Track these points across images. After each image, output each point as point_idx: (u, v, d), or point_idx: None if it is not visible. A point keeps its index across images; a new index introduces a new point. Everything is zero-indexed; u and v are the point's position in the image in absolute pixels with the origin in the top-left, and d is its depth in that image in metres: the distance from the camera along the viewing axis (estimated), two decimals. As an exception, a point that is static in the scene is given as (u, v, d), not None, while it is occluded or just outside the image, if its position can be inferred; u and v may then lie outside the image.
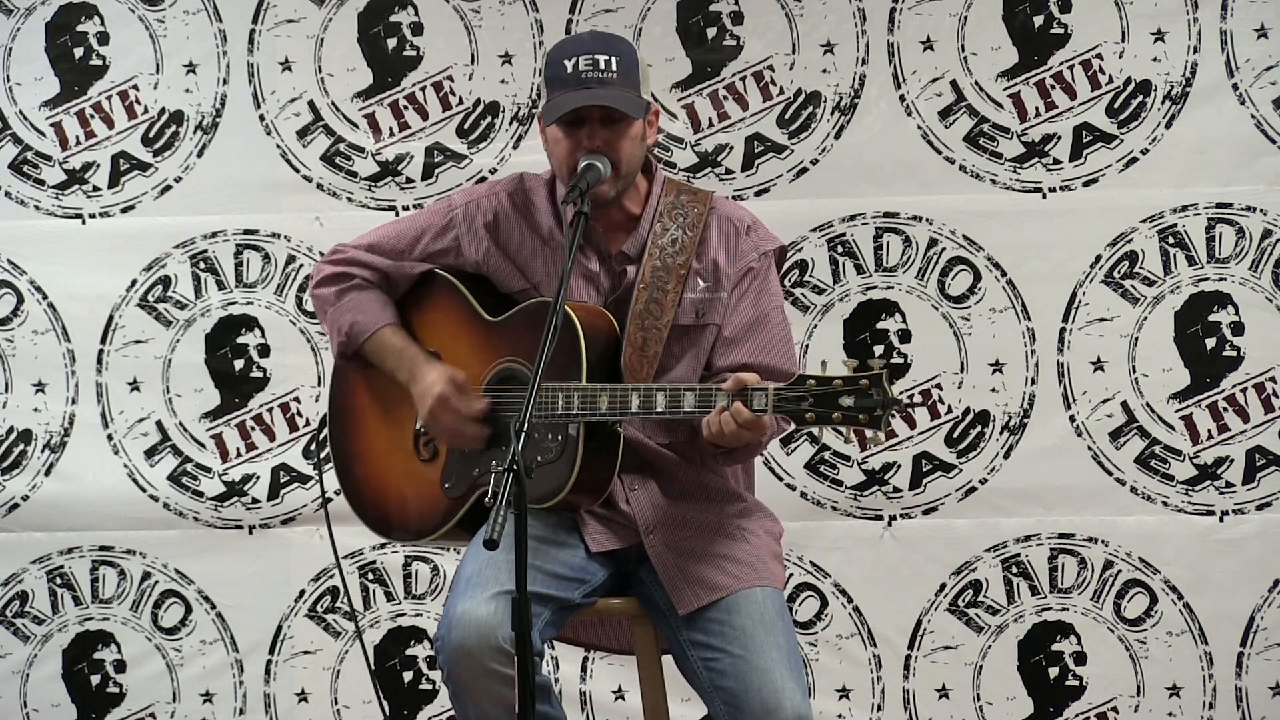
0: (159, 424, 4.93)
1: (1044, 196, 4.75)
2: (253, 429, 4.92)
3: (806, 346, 4.78)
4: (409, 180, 4.88)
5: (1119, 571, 4.74)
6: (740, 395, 3.16)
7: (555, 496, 3.31)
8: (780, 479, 4.80)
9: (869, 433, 3.10)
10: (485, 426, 3.39)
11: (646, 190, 3.46)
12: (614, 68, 3.33)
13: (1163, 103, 4.71)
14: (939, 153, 4.77)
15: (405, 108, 4.89)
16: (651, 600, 3.40)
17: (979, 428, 4.77)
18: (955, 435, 4.77)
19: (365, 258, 3.52)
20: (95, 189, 4.95)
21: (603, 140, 3.33)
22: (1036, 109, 4.75)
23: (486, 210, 3.49)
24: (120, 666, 4.97)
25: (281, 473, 4.91)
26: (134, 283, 4.94)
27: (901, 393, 4.76)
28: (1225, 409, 4.70)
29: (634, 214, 3.45)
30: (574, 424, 3.29)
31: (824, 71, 4.79)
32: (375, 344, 3.49)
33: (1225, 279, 4.71)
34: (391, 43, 4.89)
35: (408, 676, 4.92)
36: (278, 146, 4.91)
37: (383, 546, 4.88)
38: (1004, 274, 4.75)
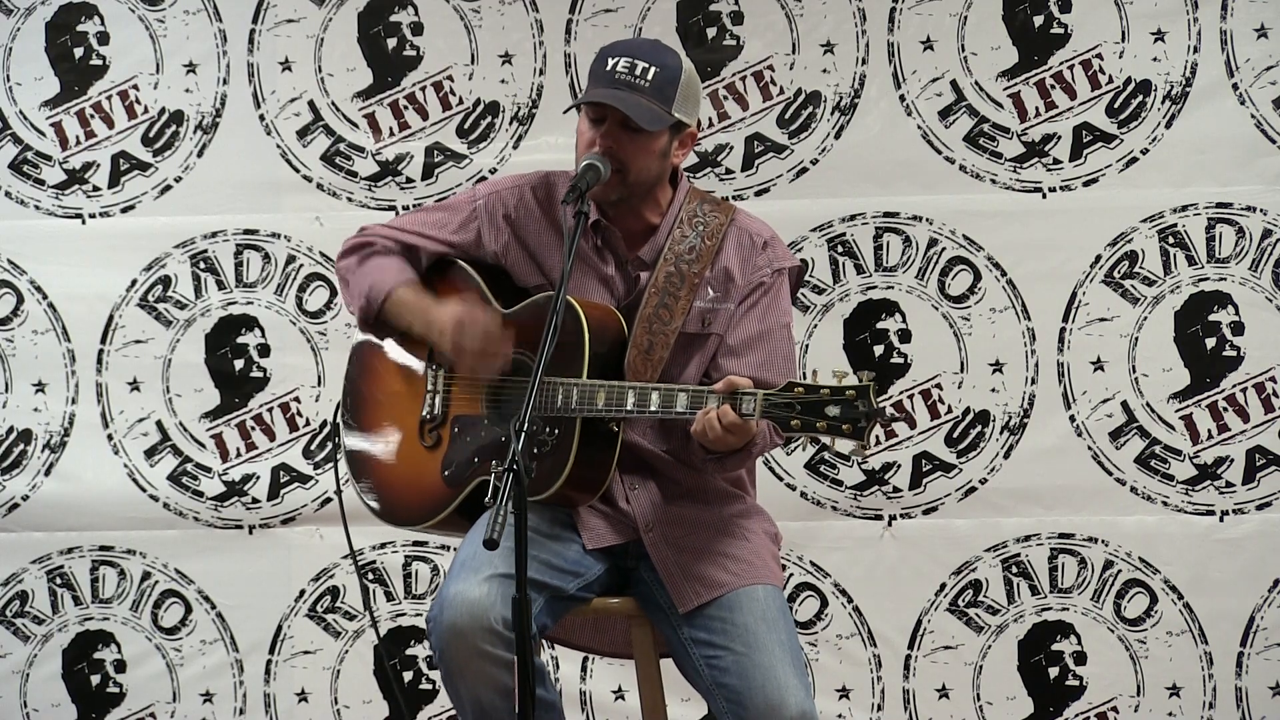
0: (159, 424, 4.93)
1: (1044, 196, 4.75)
2: (253, 429, 4.92)
3: (806, 346, 4.78)
4: (409, 180, 4.88)
5: (1119, 571, 4.74)
6: (730, 398, 3.17)
7: (548, 490, 3.32)
8: (780, 479, 4.80)
9: (851, 443, 3.10)
10: (509, 331, 3.38)
11: (669, 200, 3.47)
12: (649, 77, 3.33)
13: (1163, 103, 4.71)
14: (939, 153, 4.77)
15: (405, 108, 4.89)
16: (651, 599, 3.41)
17: (979, 428, 4.77)
18: (955, 435, 4.77)
19: (388, 233, 3.55)
20: (95, 189, 4.95)
21: (614, 142, 3.34)
22: (1036, 109, 4.75)
23: (509, 203, 3.50)
24: (120, 666, 4.97)
25: (281, 473, 4.92)
26: (134, 283, 4.94)
27: (902, 393, 4.76)
28: (1225, 409, 4.71)
29: (653, 224, 3.46)
30: (571, 418, 3.30)
31: (824, 71, 4.79)
32: (393, 302, 3.48)
33: (1225, 279, 4.71)
34: (391, 43, 4.89)
35: (408, 676, 4.92)
36: (278, 146, 4.91)
37: (382, 546, 4.89)
38: (1004, 274, 4.75)
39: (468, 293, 3.49)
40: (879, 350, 4.78)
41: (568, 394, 3.29)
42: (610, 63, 3.35)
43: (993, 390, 4.76)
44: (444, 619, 3.19)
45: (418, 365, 3.52)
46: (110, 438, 4.94)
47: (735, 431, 3.17)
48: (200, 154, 4.93)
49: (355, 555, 3.80)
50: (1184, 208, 4.72)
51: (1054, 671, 4.78)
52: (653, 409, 3.25)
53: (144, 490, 4.94)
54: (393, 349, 3.56)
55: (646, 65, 3.33)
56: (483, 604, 3.18)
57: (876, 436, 3.15)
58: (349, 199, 4.90)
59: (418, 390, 3.50)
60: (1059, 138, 4.74)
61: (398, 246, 3.53)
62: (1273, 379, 4.71)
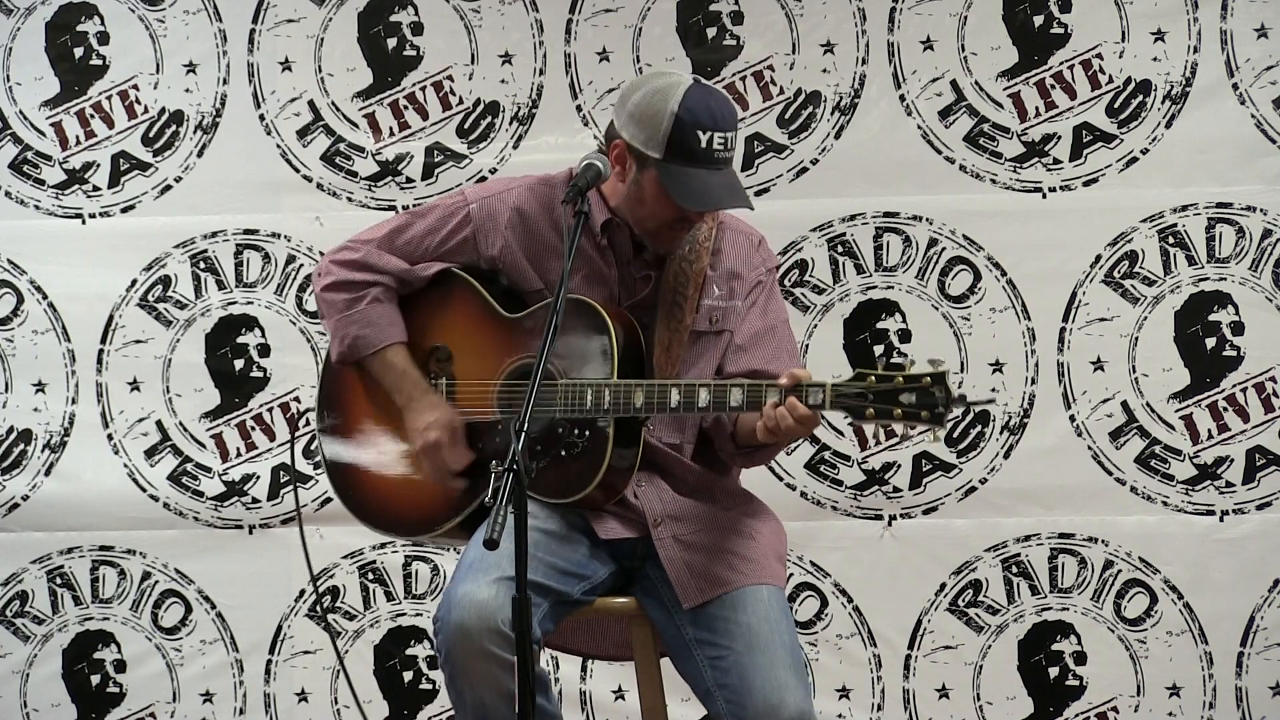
0: (159, 424, 4.94)
1: (1044, 196, 4.76)
2: (253, 429, 4.92)
3: (807, 346, 4.78)
4: (409, 180, 4.88)
5: (1119, 571, 4.74)
6: (795, 391, 3.16)
7: (579, 493, 3.31)
8: (780, 479, 4.80)
9: (932, 430, 3.09)
10: (466, 479, 3.41)
11: None
12: (733, 146, 3.34)
13: (1163, 103, 4.71)
14: (939, 153, 4.77)
15: (405, 108, 4.89)
16: (656, 597, 3.40)
17: (979, 428, 4.77)
18: (955, 435, 4.77)
19: (378, 260, 3.49)
20: (95, 189, 4.95)
21: (701, 217, 3.38)
22: (1036, 109, 4.75)
23: (506, 207, 3.47)
24: (120, 666, 4.97)
25: (281, 472, 4.91)
26: (134, 283, 4.94)
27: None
28: (1225, 409, 4.71)
29: None
30: (605, 420, 3.29)
31: (824, 71, 4.80)
32: (378, 362, 3.47)
33: (1225, 279, 4.71)
34: (391, 42, 4.90)
35: (408, 676, 4.92)
36: (278, 146, 4.91)
37: (383, 546, 4.89)
38: (1004, 274, 4.75)
39: (469, 304, 3.47)
40: (879, 350, 4.78)
41: (599, 395, 3.28)
42: (704, 138, 3.29)
43: (993, 390, 4.76)
44: (452, 619, 3.18)
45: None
46: (110, 438, 4.94)
47: (805, 423, 3.17)
48: (200, 154, 4.93)
49: (315, 579, 3.82)
50: (1184, 208, 4.72)
51: (1054, 671, 4.78)
52: (702, 405, 3.24)
53: (144, 490, 4.94)
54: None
55: (732, 134, 3.33)
56: (490, 605, 3.17)
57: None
58: (349, 199, 4.90)
59: None
60: (1059, 138, 4.74)
61: (391, 281, 3.49)
62: (1273, 379, 4.71)
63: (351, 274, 3.49)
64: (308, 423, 3.63)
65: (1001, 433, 4.76)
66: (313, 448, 4.91)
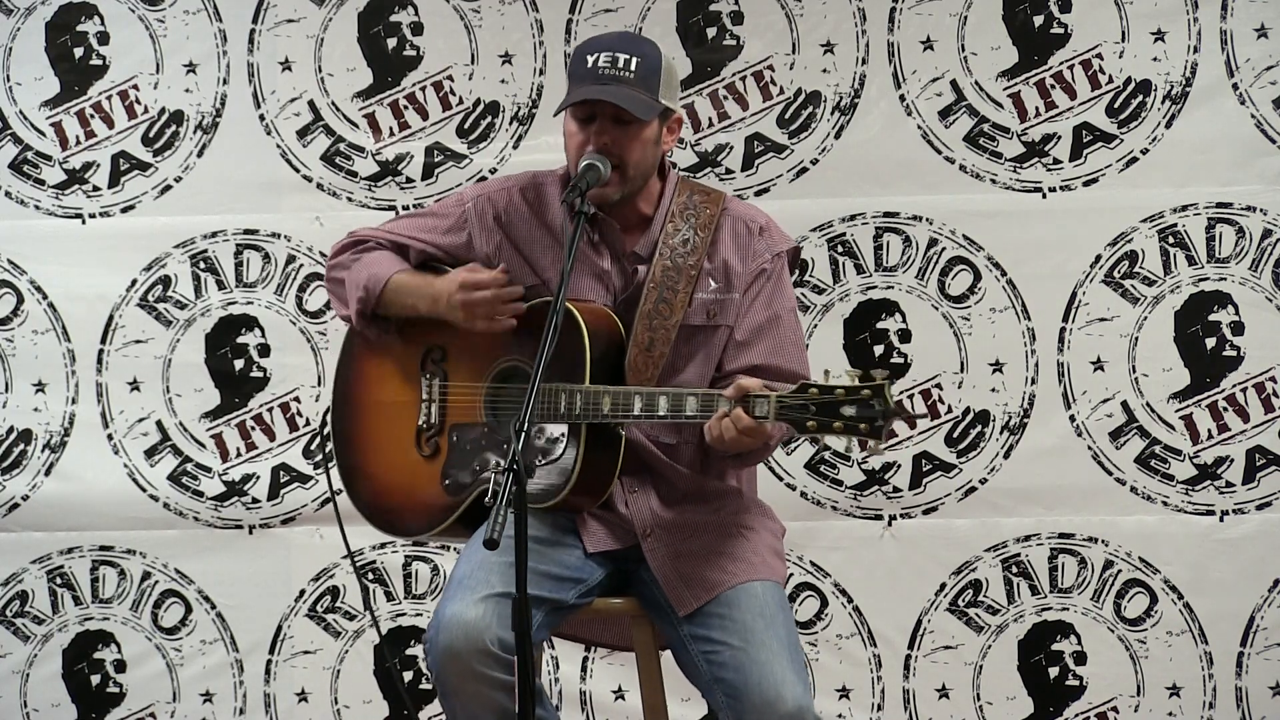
0: (159, 424, 4.93)
1: (1044, 196, 4.75)
2: (253, 429, 4.92)
3: (807, 346, 4.76)
4: (409, 180, 4.88)
5: (1119, 571, 4.74)
6: (742, 402, 3.16)
7: (555, 496, 3.31)
8: (780, 479, 4.80)
9: (870, 443, 3.08)
10: (519, 287, 3.40)
11: (660, 190, 3.46)
12: (632, 68, 3.32)
13: (1163, 103, 4.71)
14: (939, 153, 4.77)
15: (405, 108, 4.89)
16: (652, 598, 3.41)
17: (979, 428, 4.77)
18: (955, 435, 4.77)
19: (378, 234, 3.56)
20: (95, 189, 4.95)
21: (610, 139, 3.33)
22: (1036, 109, 4.75)
23: (498, 205, 3.49)
24: (120, 666, 4.97)
25: (281, 472, 4.91)
26: (134, 283, 4.94)
27: (902, 393, 4.76)
28: (1225, 409, 4.71)
29: (647, 215, 3.45)
30: (576, 425, 3.29)
31: (824, 71, 4.79)
32: (393, 287, 3.47)
33: (1225, 279, 4.71)
34: (391, 42, 4.89)
35: (408, 676, 4.92)
36: (278, 146, 4.91)
37: (383, 546, 4.89)
38: (1004, 274, 4.75)
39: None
40: (879, 350, 4.78)
41: (571, 400, 3.28)
42: (590, 60, 3.34)
43: (993, 390, 4.76)
44: (440, 641, 3.19)
45: (411, 375, 3.51)
46: (110, 438, 4.94)
47: (751, 434, 3.17)
48: (200, 154, 4.93)
49: (353, 556, 3.80)
50: (1184, 208, 4.72)
51: (1054, 671, 4.78)
52: (661, 414, 3.24)
53: (144, 490, 4.94)
54: (383, 359, 3.55)
55: (628, 56, 3.33)
56: (478, 626, 3.17)
57: (892, 432, 3.12)
58: (349, 199, 4.90)
59: (412, 399, 3.50)
60: (1059, 138, 4.74)
61: (390, 244, 3.54)
62: (1273, 379, 4.71)
63: (349, 241, 3.57)
64: (324, 424, 3.63)
65: (1001, 433, 4.76)
66: (312, 448, 4.92)
